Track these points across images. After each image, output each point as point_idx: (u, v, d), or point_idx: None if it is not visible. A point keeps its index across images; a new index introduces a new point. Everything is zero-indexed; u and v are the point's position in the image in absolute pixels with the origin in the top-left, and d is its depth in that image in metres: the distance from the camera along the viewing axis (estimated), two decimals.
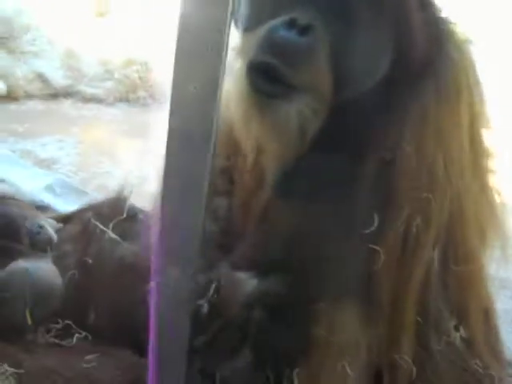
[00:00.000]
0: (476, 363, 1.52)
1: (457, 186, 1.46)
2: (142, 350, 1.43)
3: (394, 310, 1.47)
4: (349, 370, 1.41)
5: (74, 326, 1.63)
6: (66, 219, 1.90)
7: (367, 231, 1.42)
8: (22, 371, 1.46)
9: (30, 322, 1.59)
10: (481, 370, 1.52)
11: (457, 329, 1.51)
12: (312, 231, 1.50)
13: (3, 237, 1.71)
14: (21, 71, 3.95)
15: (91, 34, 4.44)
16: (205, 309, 1.45)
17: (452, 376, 1.50)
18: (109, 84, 4.09)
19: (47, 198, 2.51)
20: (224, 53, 0.94)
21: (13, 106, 3.83)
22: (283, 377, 1.47)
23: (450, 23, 1.52)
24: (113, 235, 1.70)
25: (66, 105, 3.97)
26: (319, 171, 1.48)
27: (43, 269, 1.68)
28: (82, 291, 1.67)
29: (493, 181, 1.59)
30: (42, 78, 3.98)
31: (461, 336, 1.50)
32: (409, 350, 1.47)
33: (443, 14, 1.52)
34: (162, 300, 1.21)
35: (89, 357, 1.54)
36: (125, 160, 3.30)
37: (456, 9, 1.61)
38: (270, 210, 1.58)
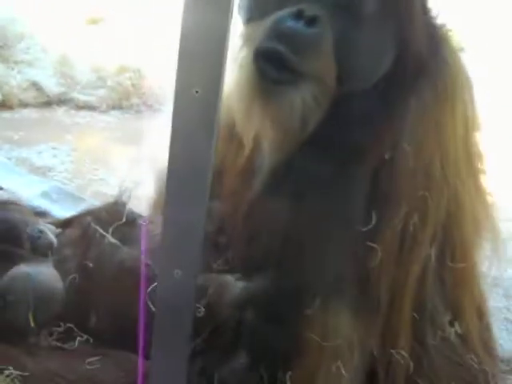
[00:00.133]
0: (471, 358, 1.55)
1: (454, 185, 1.50)
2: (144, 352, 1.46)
3: (392, 307, 1.50)
4: (343, 371, 1.43)
5: (75, 329, 1.65)
6: (65, 224, 1.92)
7: (365, 229, 1.46)
8: (26, 374, 1.48)
9: (32, 325, 1.61)
10: (475, 365, 1.55)
11: (452, 324, 1.54)
12: (307, 229, 1.53)
13: (5, 242, 1.73)
14: (15, 80, 3.96)
15: (84, 42, 4.45)
16: (200, 312, 1.48)
17: (447, 371, 1.53)
18: (102, 91, 4.10)
19: (44, 205, 2.53)
20: (225, 57, 0.97)
21: (7, 115, 3.83)
22: (277, 378, 1.49)
23: (446, 29, 1.57)
24: (112, 239, 1.72)
25: (60, 112, 3.98)
26: (315, 167, 1.51)
27: (44, 273, 1.70)
28: (82, 295, 1.69)
29: (485, 181, 1.64)
30: (36, 86, 3.98)
31: (456, 331, 1.54)
32: (406, 345, 1.50)
33: (440, 20, 1.57)
34: (164, 301, 1.23)
35: (91, 359, 1.56)
36: (119, 167, 3.31)
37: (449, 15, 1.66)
38: (260, 206, 1.61)
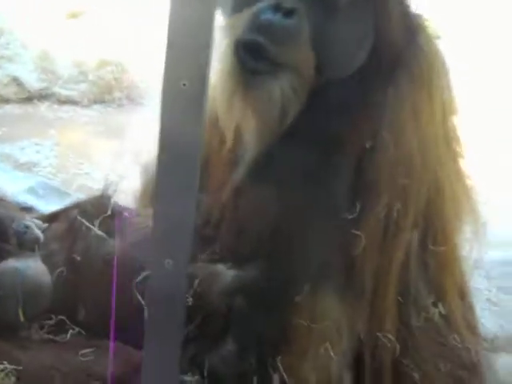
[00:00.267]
0: (454, 338, 1.59)
1: (433, 171, 1.54)
2: (135, 343, 1.48)
3: (377, 292, 1.54)
4: (332, 354, 1.47)
5: (67, 321, 1.66)
6: (51, 218, 1.92)
7: (349, 217, 1.49)
8: (20, 368, 1.49)
9: (22, 319, 1.62)
10: (459, 345, 1.60)
11: (435, 306, 1.58)
12: (289, 218, 1.56)
13: None
14: None
15: (64, 37, 4.42)
16: (188, 302, 1.50)
17: (432, 351, 1.57)
18: (83, 86, 4.08)
19: (30, 200, 2.53)
20: (211, 49, 0.99)
21: None
22: (267, 363, 1.52)
23: (422, 18, 1.60)
24: (99, 232, 1.74)
25: (42, 108, 3.96)
26: (297, 157, 1.54)
27: (32, 267, 1.70)
28: (71, 288, 1.70)
29: (464, 165, 1.67)
30: (16, 81, 3.96)
31: (439, 312, 1.58)
32: (392, 328, 1.54)
33: (415, 9, 1.60)
34: (156, 291, 1.24)
35: (84, 351, 1.58)
36: (103, 161, 3.32)
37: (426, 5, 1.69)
38: (245, 197, 1.64)
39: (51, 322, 1.67)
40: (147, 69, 4.21)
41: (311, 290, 1.53)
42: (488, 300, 2.32)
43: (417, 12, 1.59)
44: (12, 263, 1.69)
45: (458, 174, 1.63)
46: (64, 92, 4.04)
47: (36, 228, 1.84)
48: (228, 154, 1.65)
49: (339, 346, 1.49)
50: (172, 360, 1.29)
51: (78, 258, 1.70)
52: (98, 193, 1.90)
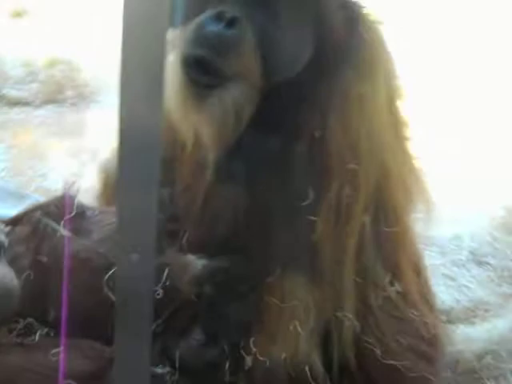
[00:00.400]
0: (412, 313, 1.66)
1: (380, 154, 1.60)
2: (106, 339, 1.51)
3: (336, 274, 1.60)
4: (300, 330, 1.53)
5: (35, 323, 1.67)
6: (13, 222, 1.92)
7: (304, 204, 1.55)
8: None
9: None
10: (417, 319, 1.67)
11: (392, 284, 1.65)
12: (255, 209, 1.62)
13: None
14: None
15: (10, 36, 4.34)
16: (159, 294, 1.53)
17: (391, 326, 1.64)
18: (34, 86, 4.02)
19: None
20: (166, 42, 1.02)
21: None
22: (240, 347, 1.57)
23: (361, 6, 1.65)
24: (64, 232, 1.75)
25: None
26: (257, 152, 1.59)
27: None
28: (39, 290, 1.71)
29: (411, 147, 1.75)
30: None
31: (396, 290, 1.65)
32: (351, 307, 1.60)
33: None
34: (124, 285, 1.26)
35: (55, 350, 1.59)
36: (59, 161, 3.30)
37: None
38: (213, 193, 1.69)
39: (20, 326, 1.68)
40: (98, 66, 4.17)
41: (279, 273, 1.59)
42: (443, 275, 2.42)
43: (355, 1, 1.64)
44: None
45: (406, 157, 1.69)
46: (15, 93, 3.97)
47: None
48: (191, 156, 1.69)
49: (307, 323, 1.55)
50: (142, 353, 1.29)
51: (45, 260, 1.71)
52: (59, 193, 1.91)
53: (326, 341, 1.61)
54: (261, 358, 1.53)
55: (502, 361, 1.93)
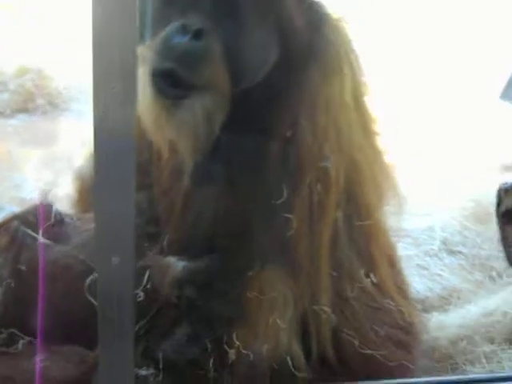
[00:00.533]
0: (388, 302, 1.71)
1: (350, 152, 1.65)
2: (90, 344, 1.52)
3: (312, 268, 1.64)
4: (280, 323, 1.56)
5: (18, 332, 1.68)
6: None
7: (279, 202, 1.59)
8: None
9: None
10: (393, 308, 1.72)
11: (367, 275, 1.69)
12: (233, 210, 1.65)
13: None
14: None
15: None
16: (140, 296, 1.56)
17: (368, 316, 1.68)
18: (5, 95, 4.00)
19: None
20: (137, 47, 1.05)
21: None
22: (223, 342, 1.59)
23: (324, 7, 1.69)
24: (43, 240, 1.76)
25: None
26: (232, 155, 1.63)
27: None
28: (20, 298, 1.72)
29: (381, 142, 1.80)
30: None
31: (371, 281, 1.69)
32: (327, 301, 1.64)
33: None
34: (105, 288, 1.28)
35: (39, 357, 1.61)
36: (33, 170, 3.29)
37: None
38: (191, 196, 1.72)
39: (3, 336, 1.68)
40: (68, 73, 4.16)
41: (258, 268, 1.62)
42: (417, 265, 2.48)
43: (317, 2, 1.68)
44: None
45: (375, 153, 1.74)
46: None
47: None
48: (167, 163, 1.72)
49: (286, 316, 1.59)
50: (126, 355, 1.30)
51: (25, 268, 1.72)
52: (36, 202, 1.91)
53: (304, 332, 1.64)
54: (243, 351, 1.56)
55: (476, 345, 1.98)
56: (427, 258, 2.51)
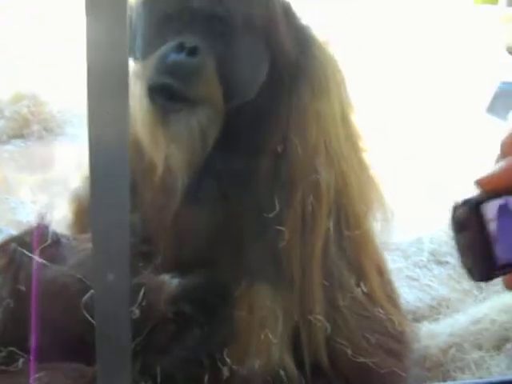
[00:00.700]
0: (378, 311, 1.75)
1: (338, 165, 1.70)
2: (87, 360, 1.56)
3: (304, 279, 1.67)
4: (272, 338, 1.61)
5: (17, 351, 1.71)
6: None
7: (271, 215, 1.64)
8: None
9: None
10: (383, 316, 1.76)
11: (358, 285, 1.73)
12: (225, 225, 1.70)
13: None
14: None
15: None
16: (135, 314, 1.59)
17: (360, 325, 1.72)
18: (1, 122, 4.07)
19: None
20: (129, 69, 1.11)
21: None
22: (216, 359, 1.62)
23: (311, 28, 1.77)
24: (41, 260, 1.80)
25: None
26: (224, 170, 1.68)
27: None
28: (19, 317, 1.75)
29: (367, 158, 1.86)
30: None
31: (362, 291, 1.73)
32: (321, 310, 1.67)
33: (304, 22, 1.77)
34: (102, 305, 1.32)
35: (38, 375, 1.64)
36: (29, 194, 3.34)
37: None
38: (183, 213, 1.76)
39: (3, 354, 1.72)
40: (62, 98, 4.23)
41: (248, 284, 1.66)
42: (407, 276, 2.52)
43: (306, 24, 1.76)
44: None
45: (362, 167, 1.79)
46: None
47: None
48: (161, 179, 1.77)
49: (277, 330, 1.62)
50: (123, 372, 1.29)
51: (23, 288, 1.76)
52: (33, 225, 1.96)
53: (296, 343, 1.68)
54: (236, 368, 1.59)
55: (466, 352, 2.02)
56: (416, 270, 2.56)
